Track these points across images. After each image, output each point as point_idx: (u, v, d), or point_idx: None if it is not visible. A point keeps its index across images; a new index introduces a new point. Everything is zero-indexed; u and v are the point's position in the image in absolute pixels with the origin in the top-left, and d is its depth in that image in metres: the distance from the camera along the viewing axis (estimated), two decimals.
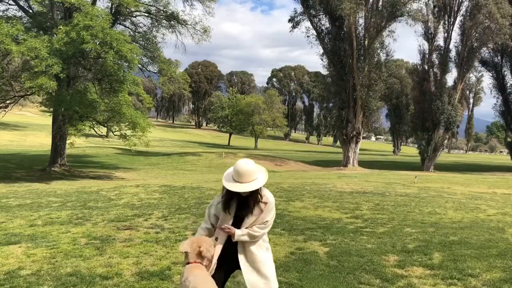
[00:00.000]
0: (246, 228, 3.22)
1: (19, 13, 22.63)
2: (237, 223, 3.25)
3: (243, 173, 3.14)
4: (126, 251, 5.76)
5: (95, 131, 23.33)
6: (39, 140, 48.16)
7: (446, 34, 36.77)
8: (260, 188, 3.25)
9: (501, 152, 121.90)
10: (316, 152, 71.36)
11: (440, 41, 37.38)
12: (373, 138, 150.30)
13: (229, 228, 3.18)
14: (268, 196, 3.31)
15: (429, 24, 36.29)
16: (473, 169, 38.73)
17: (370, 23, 34.46)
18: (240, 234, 3.19)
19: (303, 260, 5.36)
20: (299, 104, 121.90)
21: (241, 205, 3.26)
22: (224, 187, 3.25)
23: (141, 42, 26.02)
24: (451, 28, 36.45)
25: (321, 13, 36.35)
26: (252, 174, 3.18)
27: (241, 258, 3.27)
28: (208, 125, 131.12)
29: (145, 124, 21.17)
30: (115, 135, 23.08)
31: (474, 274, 4.85)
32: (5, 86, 22.83)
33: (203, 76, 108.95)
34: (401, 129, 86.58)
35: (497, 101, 44.18)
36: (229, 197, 3.25)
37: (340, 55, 35.75)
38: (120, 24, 26.03)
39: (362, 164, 38.18)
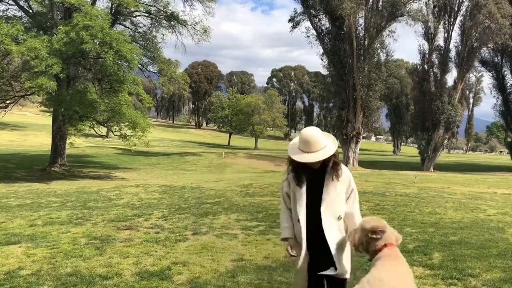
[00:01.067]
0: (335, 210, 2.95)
1: (19, 13, 22.67)
2: (313, 200, 2.94)
3: (310, 141, 2.86)
4: (126, 251, 5.76)
5: (95, 131, 23.35)
6: (39, 140, 48.14)
7: (446, 34, 36.81)
8: (336, 157, 2.97)
9: (501, 152, 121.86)
10: None
11: (440, 41, 37.45)
12: (373, 138, 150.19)
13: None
14: (344, 168, 3.01)
15: (429, 24, 36.29)
16: (473, 169, 38.72)
17: (370, 23, 34.46)
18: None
19: None
20: (299, 104, 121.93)
21: (314, 178, 2.96)
22: (290, 162, 2.97)
23: (141, 42, 26.04)
24: (451, 28, 36.48)
25: (321, 13, 36.35)
26: (320, 142, 2.87)
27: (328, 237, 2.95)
28: (208, 125, 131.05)
29: (145, 124, 21.20)
30: (115, 135, 23.10)
31: (474, 274, 4.84)
32: (5, 86, 22.86)
33: (203, 76, 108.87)
34: (401, 129, 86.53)
35: (497, 101, 44.23)
36: (300, 170, 2.95)
37: (340, 55, 35.74)
38: (120, 24, 26.04)
39: (362, 164, 38.17)
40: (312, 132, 2.90)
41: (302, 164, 2.92)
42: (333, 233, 2.93)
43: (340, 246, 2.94)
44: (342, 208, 2.99)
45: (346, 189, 3.02)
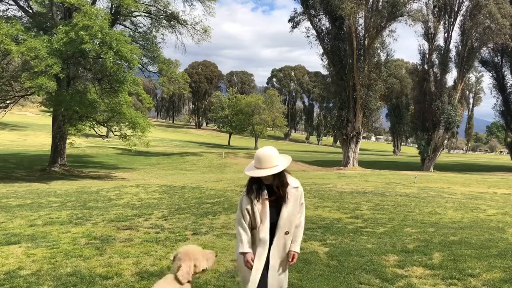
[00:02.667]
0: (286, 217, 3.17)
1: (19, 13, 22.65)
2: (274, 212, 3.13)
3: (262, 158, 3.07)
4: (126, 251, 5.76)
5: (95, 131, 23.34)
6: (39, 140, 48.16)
7: (446, 34, 36.79)
8: (285, 175, 3.17)
9: (501, 152, 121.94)
10: (316, 152, 71.32)
11: (440, 41, 37.42)
12: (373, 138, 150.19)
13: (293, 257, 3.20)
14: (295, 182, 3.23)
15: (429, 24, 36.28)
16: (473, 169, 38.71)
17: (370, 23, 34.45)
18: (298, 245, 3.26)
19: (303, 260, 5.35)
20: (299, 104, 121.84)
21: (270, 192, 3.15)
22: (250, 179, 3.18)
23: (141, 42, 26.01)
24: (451, 28, 36.45)
25: (321, 13, 36.38)
26: (272, 160, 3.08)
27: (273, 253, 3.16)
28: (208, 125, 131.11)
29: (145, 124, 21.18)
30: (115, 135, 23.09)
31: (474, 274, 4.84)
32: (5, 86, 22.85)
33: (203, 76, 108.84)
34: (401, 129, 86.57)
35: (497, 101, 44.23)
36: (255, 185, 3.14)
37: (340, 55, 35.75)
38: (120, 24, 26.03)
39: (362, 164, 38.18)
40: (264, 151, 3.12)
41: (258, 180, 3.12)
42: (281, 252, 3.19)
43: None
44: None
45: (300, 200, 3.27)
